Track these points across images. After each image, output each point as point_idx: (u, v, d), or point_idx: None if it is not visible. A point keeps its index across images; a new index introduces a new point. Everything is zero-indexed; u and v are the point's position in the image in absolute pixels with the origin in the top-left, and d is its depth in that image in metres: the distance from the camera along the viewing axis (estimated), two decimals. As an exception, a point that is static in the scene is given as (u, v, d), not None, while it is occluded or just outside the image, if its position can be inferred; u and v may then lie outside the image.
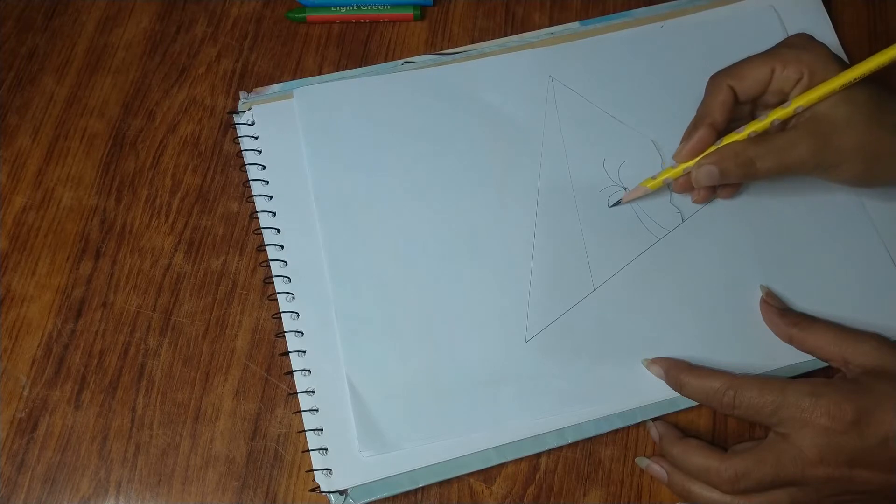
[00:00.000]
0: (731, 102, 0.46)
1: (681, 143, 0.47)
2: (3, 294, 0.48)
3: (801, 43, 0.46)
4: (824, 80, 0.43)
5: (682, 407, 0.45)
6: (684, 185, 0.48)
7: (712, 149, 0.45)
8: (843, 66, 0.44)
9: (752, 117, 0.47)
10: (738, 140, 0.45)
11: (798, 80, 0.45)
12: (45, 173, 0.51)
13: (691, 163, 0.46)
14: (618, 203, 0.49)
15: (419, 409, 0.44)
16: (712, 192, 0.49)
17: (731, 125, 0.46)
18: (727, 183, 0.46)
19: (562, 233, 0.48)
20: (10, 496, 0.43)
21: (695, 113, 0.47)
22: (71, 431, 0.45)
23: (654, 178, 0.48)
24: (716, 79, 0.47)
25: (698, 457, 0.41)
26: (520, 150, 0.51)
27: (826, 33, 0.54)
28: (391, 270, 0.47)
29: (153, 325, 0.47)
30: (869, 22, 0.56)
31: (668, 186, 0.49)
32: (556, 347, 0.46)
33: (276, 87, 0.53)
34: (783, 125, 0.45)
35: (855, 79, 0.43)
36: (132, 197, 0.51)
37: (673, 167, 0.47)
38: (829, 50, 0.45)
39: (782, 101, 0.46)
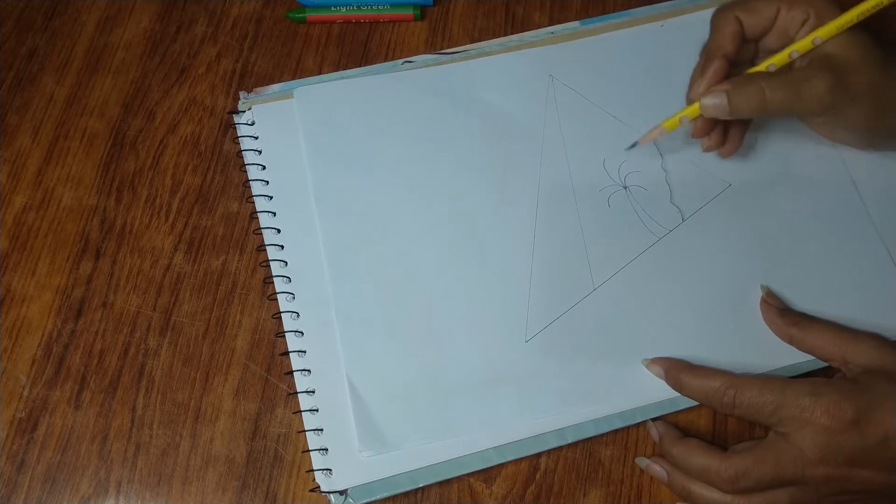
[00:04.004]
0: (740, 34, 0.45)
1: (692, 81, 0.46)
2: (3, 294, 0.48)
3: None
4: (831, 20, 0.43)
5: (682, 407, 0.45)
6: (703, 126, 0.47)
7: None
8: (848, 9, 0.43)
9: (752, 63, 0.47)
10: (753, 72, 0.45)
11: (804, 21, 0.44)
12: (45, 173, 0.51)
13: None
14: (634, 145, 0.49)
15: (419, 409, 0.44)
16: (722, 136, 0.48)
17: (734, 71, 0.46)
18: (737, 116, 0.45)
19: (562, 232, 0.48)
20: (10, 496, 0.43)
21: None
22: (71, 431, 0.45)
23: (670, 117, 0.47)
24: (723, 11, 0.46)
25: (698, 457, 0.41)
26: (520, 149, 0.51)
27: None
28: (391, 270, 0.47)
29: (153, 325, 0.47)
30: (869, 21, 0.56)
31: (686, 133, 0.48)
32: (556, 347, 0.46)
33: (276, 87, 0.53)
34: (796, 62, 0.45)
35: (874, 7, 0.42)
36: (132, 197, 0.51)
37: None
38: None
39: (786, 44, 0.45)
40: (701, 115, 0.46)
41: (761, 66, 0.45)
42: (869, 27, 0.43)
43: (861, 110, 0.44)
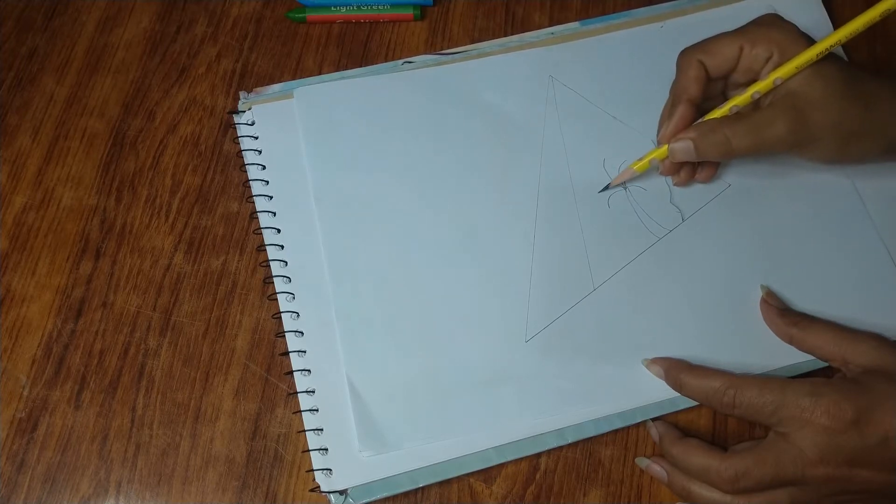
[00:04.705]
0: (703, 78, 0.46)
1: (660, 123, 0.48)
2: (3, 294, 0.48)
3: (769, 21, 0.46)
4: (795, 56, 0.44)
5: (682, 407, 0.45)
6: (671, 166, 0.48)
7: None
8: (812, 43, 0.44)
9: (724, 96, 0.48)
10: (717, 117, 0.45)
11: (768, 58, 0.45)
12: (45, 173, 0.51)
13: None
14: (606, 188, 0.49)
15: (419, 408, 0.44)
16: (692, 172, 0.49)
17: (704, 105, 0.47)
18: (704, 160, 0.46)
19: (562, 233, 0.48)
20: (10, 496, 0.43)
21: None
22: (71, 431, 0.45)
23: (640, 159, 0.48)
24: (685, 55, 0.47)
25: (698, 457, 0.41)
26: (520, 149, 0.51)
27: (826, 33, 0.54)
28: (391, 270, 0.47)
29: (153, 325, 0.47)
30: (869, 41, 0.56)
31: (655, 169, 0.49)
32: (556, 347, 0.46)
33: (276, 87, 0.53)
34: (761, 101, 0.46)
35: (832, 45, 0.43)
36: (132, 197, 0.51)
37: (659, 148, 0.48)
38: (798, 28, 0.45)
39: (752, 79, 0.46)
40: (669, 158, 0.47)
41: (725, 109, 0.46)
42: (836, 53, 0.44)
43: (824, 145, 0.45)
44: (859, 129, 0.44)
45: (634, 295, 0.47)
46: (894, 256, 0.48)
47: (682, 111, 0.46)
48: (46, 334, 0.47)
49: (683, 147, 0.45)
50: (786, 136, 0.44)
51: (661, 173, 0.49)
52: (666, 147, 0.47)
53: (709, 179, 0.49)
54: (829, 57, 0.43)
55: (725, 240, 0.48)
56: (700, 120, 0.46)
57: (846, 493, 0.39)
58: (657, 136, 0.48)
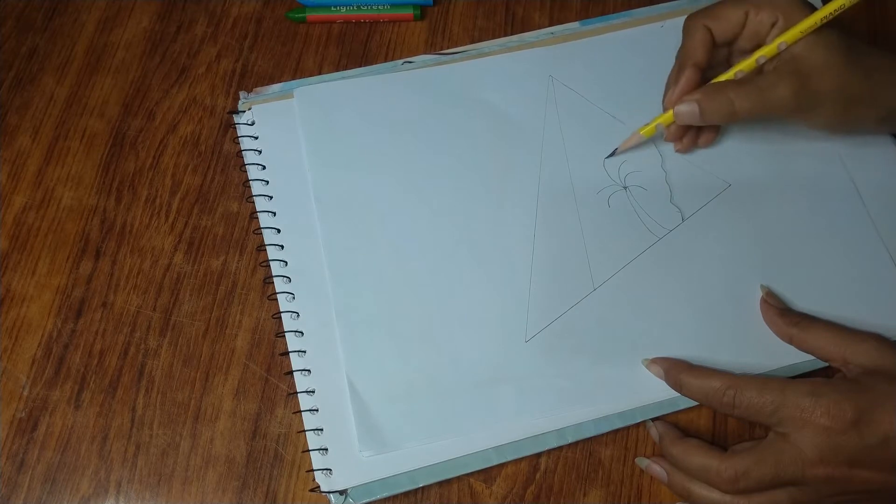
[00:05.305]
0: (709, 42, 0.47)
1: (666, 89, 0.48)
2: (3, 294, 0.48)
3: None
4: (799, 21, 0.44)
5: (682, 407, 0.45)
6: (676, 131, 0.49)
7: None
8: (815, 10, 0.44)
9: (728, 64, 0.48)
10: (722, 80, 0.46)
11: (773, 24, 0.45)
12: (45, 173, 0.51)
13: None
14: (613, 153, 0.50)
15: (419, 408, 0.44)
16: (694, 138, 0.50)
17: (708, 73, 0.47)
18: (708, 123, 0.47)
19: (562, 232, 0.48)
20: (10, 496, 0.43)
21: None
22: (71, 431, 0.45)
23: (647, 124, 0.49)
24: (692, 20, 0.47)
25: (698, 457, 0.41)
26: (520, 150, 0.51)
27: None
28: (391, 270, 0.47)
29: (153, 325, 0.47)
30: (869, 23, 0.56)
31: (660, 138, 0.50)
32: (557, 347, 0.46)
33: (276, 87, 0.53)
34: (765, 66, 0.46)
35: (836, 10, 0.43)
36: (132, 197, 0.51)
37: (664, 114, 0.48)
38: None
39: (757, 46, 0.46)
40: (675, 122, 0.48)
41: (730, 73, 0.46)
42: (838, 23, 0.45)
43: (825, 110, 0.45)
44: (859, 96, 0.45)
45: (634, 295, 0.47)
46: (894, 256, 0.48)
47: (688, 75, 0.46)
48: (46, 334, 0.47)
49: (688, 109, 0.46)
50: (789, 99, 0.44)
51: (666, 139, 0.50)
52: (672, 112, 0.47)
53: (709, 144, 0.50)
54: (831, 25, 0.44)
55: (725, 240, 0.48)
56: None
57: (846, 493, 0.39)
58: (663, 101, 0.49)
